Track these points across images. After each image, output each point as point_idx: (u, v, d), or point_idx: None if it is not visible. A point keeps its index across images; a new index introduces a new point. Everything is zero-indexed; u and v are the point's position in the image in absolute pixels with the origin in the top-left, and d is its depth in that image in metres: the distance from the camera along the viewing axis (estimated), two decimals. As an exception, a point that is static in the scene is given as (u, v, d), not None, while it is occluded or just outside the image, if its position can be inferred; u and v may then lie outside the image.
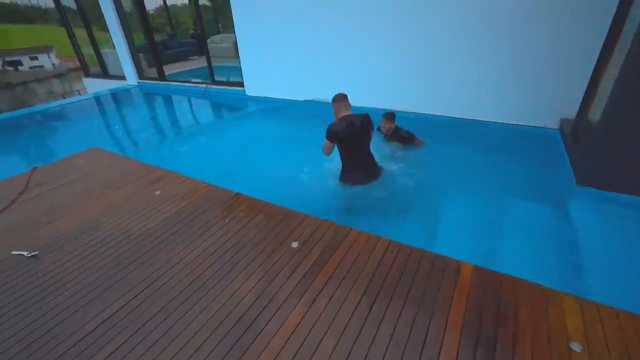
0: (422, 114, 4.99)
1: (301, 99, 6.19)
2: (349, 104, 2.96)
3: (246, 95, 6.97)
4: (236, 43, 6.57)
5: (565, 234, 2.45)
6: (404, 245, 2.02)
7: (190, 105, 7.14)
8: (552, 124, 4.14)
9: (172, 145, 5.12)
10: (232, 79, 7.43)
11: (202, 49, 8.02)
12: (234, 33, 6.43)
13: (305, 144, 4.29)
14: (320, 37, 5.43)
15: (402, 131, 3.94)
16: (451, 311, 1.62)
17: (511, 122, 4.40)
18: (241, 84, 6.99)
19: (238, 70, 6.88)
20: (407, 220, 2.78)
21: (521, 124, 4.34)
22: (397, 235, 2.12)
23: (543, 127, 4.20)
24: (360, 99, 4.87)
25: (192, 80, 8.13)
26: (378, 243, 2.07)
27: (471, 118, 4.68)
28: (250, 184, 3.19)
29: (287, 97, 6.39)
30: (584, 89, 3.78)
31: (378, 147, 4.03)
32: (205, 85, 7.48)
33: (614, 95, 2.58)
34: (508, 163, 3.75)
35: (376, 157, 3.16)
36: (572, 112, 3.96)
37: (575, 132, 3.67)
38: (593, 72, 3.68)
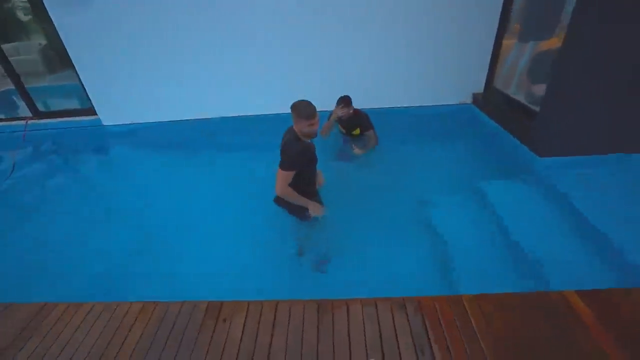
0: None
1: (192, 117, 4.86)
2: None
3: (103, 126, 5.04)
4: (48, 49, 4.56)
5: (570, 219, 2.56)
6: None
7: (9, 161, 4.67)
8: (468, 99, 4.46)
9: None
10: (67, 107, 5.24)
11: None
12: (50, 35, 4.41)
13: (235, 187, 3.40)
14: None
15: (362, 113, 3.62)
16: None
17: (428, 104, 4.54)
18: (90, 111, 4.99)
19: (74, 90, 4.86)
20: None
21: (440, 104, 4.54)
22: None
23: (460, 104, 4.49)
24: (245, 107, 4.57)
25: (-4, 117, 5.39)
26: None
27: (389, 106, 4.59)
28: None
29: (171, 118, 4.90)
30: (487, 64, 4.16)
31: (334, 148, 3.72)
32: (25, 122, 5.03)
33: (559, 64, 2.75)
34: (454, 148, 3.87)
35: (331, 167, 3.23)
36: (480, 87, 4.34)
37: (488, 101, 4.06)
38: (493, 49, 4.06)
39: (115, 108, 4.90)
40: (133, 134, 4.89)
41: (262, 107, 4.65)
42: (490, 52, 4.07)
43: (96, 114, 4.98)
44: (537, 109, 3.12)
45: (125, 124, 4.97)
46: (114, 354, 1.58)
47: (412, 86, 4.42)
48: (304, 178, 2.30)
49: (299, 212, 2.45)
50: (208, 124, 4.76)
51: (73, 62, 4.55)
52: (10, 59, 5.06)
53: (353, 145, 3.68)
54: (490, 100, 4.11)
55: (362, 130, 3.59)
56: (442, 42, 4.08)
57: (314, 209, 2.35)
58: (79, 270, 2.63)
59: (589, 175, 2.84)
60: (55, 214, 3.42)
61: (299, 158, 2.15)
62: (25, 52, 6.47)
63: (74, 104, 5.15)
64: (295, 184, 2.26)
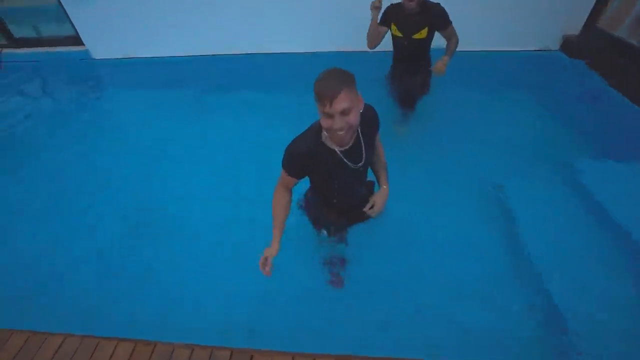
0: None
1: (211, 52, 3.91)
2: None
3: (93, 59, 4.15)
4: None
5: None
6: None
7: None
8: (554, 44, 3.42)
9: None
10: (47, 34, 4.31)
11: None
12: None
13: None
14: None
15: (434, 4, 2.21)
16: None
17: (506, 49, 3.52)
18: (76, 41, 4.08)
19: (55, 14, 3.90)
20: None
21: (514, 49, 3.51)
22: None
23: (543, 50, 3.47)
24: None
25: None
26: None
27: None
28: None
29: (186, 53, 3.95)
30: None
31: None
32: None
33: None
34: (532, 108, 2.96)
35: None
36: (575, 27, 3.27)
37: (586, 47, 3.06)
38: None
39: (110, 38, 3.96)
40: (137, 68, 4.02)
41: (286, 44, 3.70)
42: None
43: (83, 45, 4.07)
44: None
45: (127, 58, 4.07)
46: None
47: (481, 22, 3.37)
48: (318, 186, 1.45)
49: (313, 219, 1.69)
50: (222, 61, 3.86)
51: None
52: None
53: (400, 116, 2.61)
54: (590, 45, 3.09)
55: (435, 28, 2.23)
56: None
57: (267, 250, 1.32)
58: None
59: None
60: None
61: (289, 159, 1.25)
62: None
63: (52, 32, 4.21)
64: (313, 188, 1.55)
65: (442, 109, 2.94)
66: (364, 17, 2.41)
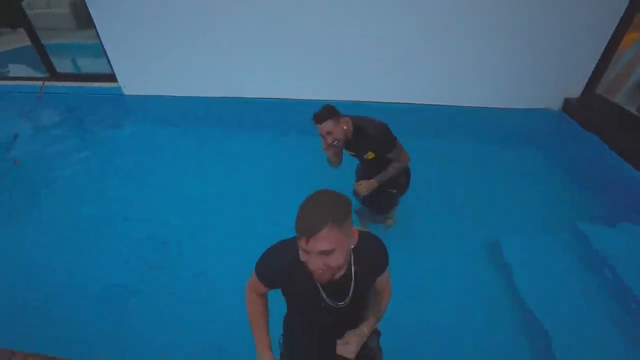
0: (397, 103, 3.90)
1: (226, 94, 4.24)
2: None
3: (124, 95, 4.51)
4: (78, 5, 3.99)
5: None
6: None
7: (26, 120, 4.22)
8: (555, 104, 3.61)
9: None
10: (85, 71, 4.74)
11: (15, 17, 4.82)
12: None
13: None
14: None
15: (366, 125, 1.92)
16: None
17: (510, 107, 3.72)
18: (110, 77, 4.46)
19: (93, 51, 4.32)
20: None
21: (518, 107, 3.71)
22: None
23: (545, 109, 3.65)
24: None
25: (10, 74, 4.97)
26: None
27: (462, 105, 3.81)
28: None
29: (212, 94, 4.27)
30: (595, 61, 3.27)
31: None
32: (41, 83, 4.57)
33: None
34: (536, 167, 3.08)
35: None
36: (576, 91, 3.48)
37: (586, 109, 3.23)
38: (608, 44, 3.16)
39: (140, 76, 4.33)
40: (163, 106, 4.34)
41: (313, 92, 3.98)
42: (604, 47, 3.17)
43: (116, 82, 4.44)
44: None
45: (154, 96, 4.42)
46: None
47: (487, 81, 3.62)
48: (290, 307, 1.18)
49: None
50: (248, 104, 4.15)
51: (95, 22, 3.98)
52: (38, 12, 4.57)
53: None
54: (590, 108, 3.27)
55: (378, 153, 1.96)
56: (539, 29, 3.22)
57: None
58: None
59: None
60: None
61: (261, 265, 1.06)
62: (59, 4, 5.98)
63: (90, 68, 4.63)
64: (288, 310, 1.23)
65: (444, 162, 3.10)
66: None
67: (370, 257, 1.00)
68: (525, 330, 1.82)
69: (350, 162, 2.21)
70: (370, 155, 1.98)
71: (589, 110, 3.25)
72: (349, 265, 0.95)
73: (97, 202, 2.85)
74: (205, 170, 3.21)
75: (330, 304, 1.01)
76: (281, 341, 1.29)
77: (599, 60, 3.23)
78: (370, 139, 1.91)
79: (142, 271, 2.22)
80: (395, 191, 2.15)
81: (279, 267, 1.00)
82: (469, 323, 1.86)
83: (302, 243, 0.83)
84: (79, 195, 2.94)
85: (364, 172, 2.20)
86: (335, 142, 1.88)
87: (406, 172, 2.19)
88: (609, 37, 3.11)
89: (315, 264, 0.84)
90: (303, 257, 0.86)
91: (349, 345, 1.05)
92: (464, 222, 2.48)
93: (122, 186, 3.04)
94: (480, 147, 3.32)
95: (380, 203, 2.23)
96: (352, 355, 1.05)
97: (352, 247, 0.91)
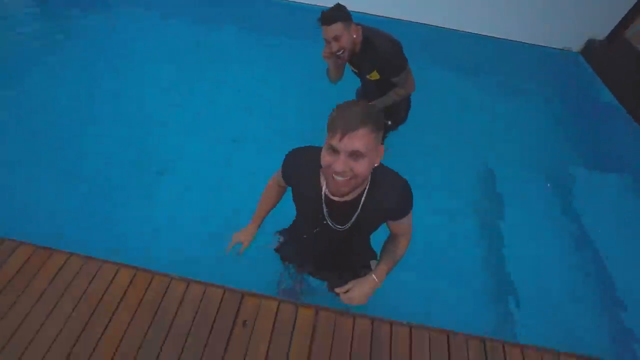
0: (404, 20, 3.51)
1: None
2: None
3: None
4: None
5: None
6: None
7: None
8: (576, 46, 3.36)
9: None
10: None
11: None
12: None
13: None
14: None
15: (379, 41, 1.67)
16: None
17: (526, 41, 3.44)
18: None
19: None
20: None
21: (540, 44, 3.44)
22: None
23: (563, 50, 3.41)
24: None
25: None
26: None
27: (470, 31, 3.47)
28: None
29: None
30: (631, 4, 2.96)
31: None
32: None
33: None
34: (540, 109, 2.98)
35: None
36: (602, 32, 3.21)
37: (607, 56, 3.03)
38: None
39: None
40: None
41: None
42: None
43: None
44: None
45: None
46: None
47: (507, 10, 3.26)
48: (298, 217, 1.18)
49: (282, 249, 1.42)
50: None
51: None
52: None
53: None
54: (612, 54, 3.07)
55: (383, 74, 1.74)
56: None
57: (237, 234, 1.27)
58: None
59: None
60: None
61: (285, 164, 1.04)
62: None
63: None
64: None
65: (443, 91, 2.92)
66: None
67: (386, 196, 0.93)
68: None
69: (351, 79, 2.03)
70: (374, 75, 1.75)
71: (610, 56, 3.06)
72: (361, 191, 0.91)
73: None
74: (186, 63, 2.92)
75: (329, 223, 0.99)
76: (279, 232, 1.37)
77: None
78: (379, 56, 1.66)
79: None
80: (389, 122, 1.97)
81: (299, 171, 0.99)
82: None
83: (334, 141, 0.77)
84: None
85: (362, 95, 2.02)
86: (340, 52, 1.63)
87: (406, 103, 1.96)
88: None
89: (341, 165, 0.78)
90: (327, 160, 0.80)
91: (351, 292, 1.02)
92: (460, 151, 2.48)
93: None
94: (484, 78, 3.11)
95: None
96: (351, 302, 1.03)
97: (376, 165, 0.85)
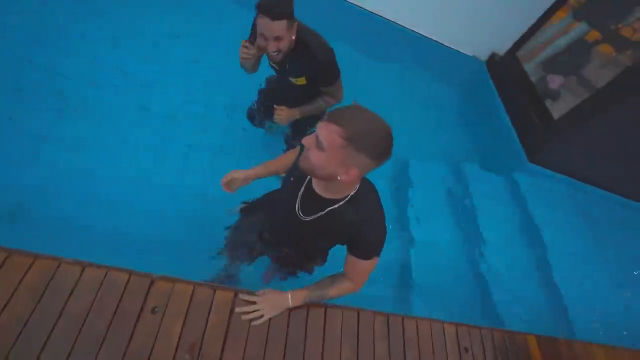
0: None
1: None
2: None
3: None
4: None
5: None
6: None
7: None
8: (483, 55, 3.81)
9: None
10: None
11: None
12: None
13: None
14: None
15: (314, 43, 1.49)
16: None
17: (444, 43, 3.76)
18: None
19: None
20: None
21: (452, 47, 3.79)
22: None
23: (473, 57, 3.83)
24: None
25: None
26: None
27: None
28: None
29: None
30: (528, 26, 3.46)
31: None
32: None
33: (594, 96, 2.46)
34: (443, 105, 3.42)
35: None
36: (502, 48, 3.70)
37: (501, 69, 3.59)
38: (543, 14, 3.33)
39: None
40: None
41: None
42: (540, 15, 3.34)
43: None
44: (553, 109, 2.84)
45: None
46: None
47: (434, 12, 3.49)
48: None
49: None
50: None
51: None
52: None
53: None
54: (506, 68, 3.58)
55: (314, 82, 1.61)
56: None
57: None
58: None
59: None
60: None
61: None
62: None
63: None
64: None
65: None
66: None
67: (361, 213, 0.96)
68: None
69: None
70: (300, 80, 1.58)
71: (504, 69, 3.57)
72: (342, 197, 0.95)
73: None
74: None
75: (297, 211, 1.01)
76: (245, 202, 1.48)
77: (532, 25, 3.43)
78: (317, 65, 1.50)
79: None
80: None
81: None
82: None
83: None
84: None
85: (278, 96, 1.78)
86: (275, 53, 1.40)
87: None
88: (548, 6, 3.27)
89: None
90: None
91: (260, 297, 1.09)
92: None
93: None
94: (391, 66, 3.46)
95: (291, 137, 2.00)
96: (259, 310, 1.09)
97: (353, 193, 0.93)
